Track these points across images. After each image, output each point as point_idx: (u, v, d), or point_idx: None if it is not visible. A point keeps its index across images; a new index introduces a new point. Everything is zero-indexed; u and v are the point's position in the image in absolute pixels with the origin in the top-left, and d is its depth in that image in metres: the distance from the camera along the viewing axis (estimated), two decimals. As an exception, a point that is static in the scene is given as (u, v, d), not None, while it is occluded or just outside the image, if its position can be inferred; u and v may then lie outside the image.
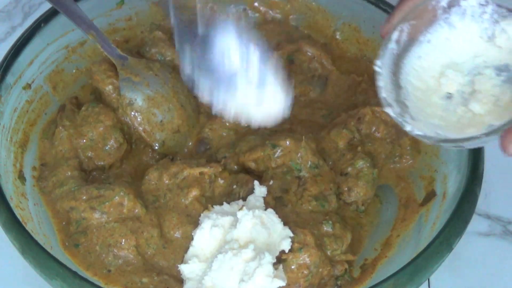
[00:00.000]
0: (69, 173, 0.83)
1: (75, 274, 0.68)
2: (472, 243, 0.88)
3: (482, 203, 0.89)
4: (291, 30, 1.02)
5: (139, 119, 0.87)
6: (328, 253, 0.77)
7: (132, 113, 0.86)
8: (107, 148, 0.86)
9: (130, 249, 0.78)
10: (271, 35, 1.01)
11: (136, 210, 0.80)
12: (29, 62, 0.87)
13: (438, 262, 0.70)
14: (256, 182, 0.82)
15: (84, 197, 0.80)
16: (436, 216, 0.78)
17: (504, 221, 0.92)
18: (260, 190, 0.81)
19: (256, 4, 1.04)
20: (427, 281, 0.84)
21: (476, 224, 0.90)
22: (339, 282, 0.78)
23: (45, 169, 0.85)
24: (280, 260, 0.75)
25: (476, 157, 0.78)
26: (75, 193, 0.80)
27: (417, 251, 0.72)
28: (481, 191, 0.76)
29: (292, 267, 0.75)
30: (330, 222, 0.79)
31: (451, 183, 0.80)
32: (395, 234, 0.83)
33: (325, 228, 0.79)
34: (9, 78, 0.84)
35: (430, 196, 0.83)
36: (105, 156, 0.86)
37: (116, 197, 0.79)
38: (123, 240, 0.78)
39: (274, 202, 0.81)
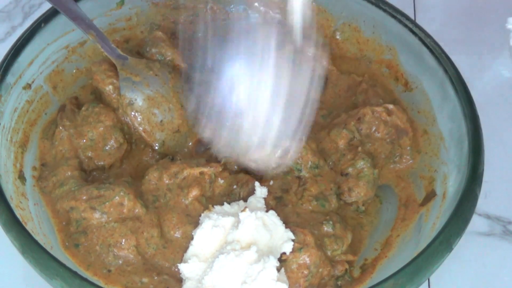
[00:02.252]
0: (69, 173, 0.83)
1: (75, 274, 0.68)
2: (472, 243, 0.88)
3: (482, 203, 0.89)
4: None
5: (139, 119, 0.87)
6: (329, 253, 0.77)
7: (132, 113, 0.86)
8: (107, 148, 0.86)
9: (130, 249, 0.78)
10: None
11: (136, 210, 0.80)
12: (29, 62, 0.87)
13: (438, 262, 0.70)
14: (257, 183, 0.82)
15: (84, 197, 0.79)
16: (436, 216, 0.78)
17: (504, 221, 0.92)
18: (261, 191, 0.81)
19: (256, 4, 1.04)
20: (427, 281, 0.84)
21: (476, 224, 0.90)
22: (339, 282, 0.78)
23: (45, 169, 0.85)
24: (281, 261, 0.75)
25: (476, 157, 0.78)
26: (75, 193, 0.80)
27: (417, 251, 0.72)
28: (481, 191, 0.76)
29: (292, 267, 0.75)
30: (331, 222, 0.79)
31: (451, 183, 0.80)
32: (395, 234, 0.83)
33: (325, 228, 0.79)
34: (9, 78, 0.84)
35: (430, 196, 0.83)
36: (105, 156, 0.86)
37: (116, 197, 0.79)
38: (123, 240, 0.78)
39: (275, 202, 0.81)
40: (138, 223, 0.79)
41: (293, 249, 0.75)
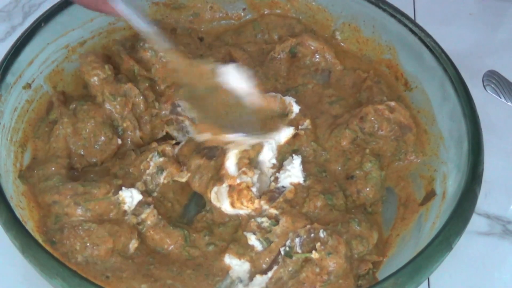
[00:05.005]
0: (55, 170, 0.82)
1: (75, 273, 0.68)
2: (472, 243, 0.88)
3: (482, 203, 0.89)
4: (293, 23, 1.02)
5: None
6: (355, 255, 0.77)
7: None
8: (98, 144, 0.86)
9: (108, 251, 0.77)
10: (272, 28, 1.01)
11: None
12: (29, 61, 0.87)
13: (438, 262, 0.70)
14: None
15: (69, 192, 0.79)
16: (436, 215, 0.79)
17: (504, 221, 0.92)
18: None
19: (256, 4, 1.04)
20: (427, 280, 0.84)
21: (476, 223, 0.90)
22: (360, 282, 0.77)
23: (35, 162, 0.85)
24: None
25: (475, 156, 0.78)
26: (59, 188, 0.79)
27: (417, 251, 0.72)
28: (481, 190, 0.76)
29: (314, 268, 0.74)
30: (356, 220, 0.79)
31: (451, 183, 0.80)
32: (394, 233, 0.83)
33: (353, 226, 0.78)
34: (9, 78, 0.84)
35: (430, 195, 0.83)
36: (96, 152, 0.86)
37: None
38: (100, 241, 0.77)
39: (286, 205, 0.81)
40: (116, 226, 0.78)
41: (322, 250, 0.74)
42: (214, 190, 0.81)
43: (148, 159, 0.84)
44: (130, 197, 0.80)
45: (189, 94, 0.87)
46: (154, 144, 0.86)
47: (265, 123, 0.87)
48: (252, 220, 0.79)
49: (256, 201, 0.80)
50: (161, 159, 0.84)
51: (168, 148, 0.86)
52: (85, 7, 0.78)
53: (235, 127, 0.84)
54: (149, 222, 0.80)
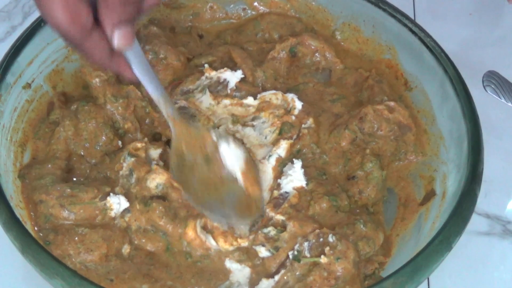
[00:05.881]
0: (51, 170, 0.82)
1: (74, 273, 0.68)
2: (472, 243, 0.88)
3: (481, 203, 0.89)
4: (294, 22, 1.02)
5: None
6: (362, 257, 0.77)
7: None
8: (99, 145, 0.86)
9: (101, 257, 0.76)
10: (273, 27, 1.01)
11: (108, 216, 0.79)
12: (29, 61, 0.87)
13: (437, 261, 0.70)
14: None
15: (56, 194, 0.79)
16: (436, 215, 0.79)
17: (503, 221, 0.92)
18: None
19: (255, 4, 1.04)
20: (426, 280, 0.85)
21: (475, 223, 0.90)
22: (366, 282, 0.77)
23: (34, 162, 0.85)
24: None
25: (475, 156, 0.78)
26: (48, 188, 0.79)
27: (417, 250, 0.72)
28: (481, 190, 0.76)
29: (323, 272, 0.74)
30: (362, 221, 0.79)
31: (450, 183, 0.80)
32: (394, 233, 0.83)
33: (358, 227, 0.78)
34: (9, 78, 0.84)
35: (430, 195, 0.83)
36: (96, 153, 0.86)
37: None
38: (94, 247, 0.76)
39: (292, 210, 0.81)
40: (109, 231, 0.78)
41: (331, 254, 0.74)
42: (195, 228, 0.77)
43: (121, 161, 0.83)
44: (118, 203, 0.79)
45: (179, 162, 0.80)
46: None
47: (244, 210, 0.80)
48: (259, 232, 0.79)
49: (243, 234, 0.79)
50: (133, 159, 0.82)
51: (138, 145, 0.83)
52: (95, 63, 0.71)
53: (213, 206, 0.79)
54: (133, 227, 0.79)
